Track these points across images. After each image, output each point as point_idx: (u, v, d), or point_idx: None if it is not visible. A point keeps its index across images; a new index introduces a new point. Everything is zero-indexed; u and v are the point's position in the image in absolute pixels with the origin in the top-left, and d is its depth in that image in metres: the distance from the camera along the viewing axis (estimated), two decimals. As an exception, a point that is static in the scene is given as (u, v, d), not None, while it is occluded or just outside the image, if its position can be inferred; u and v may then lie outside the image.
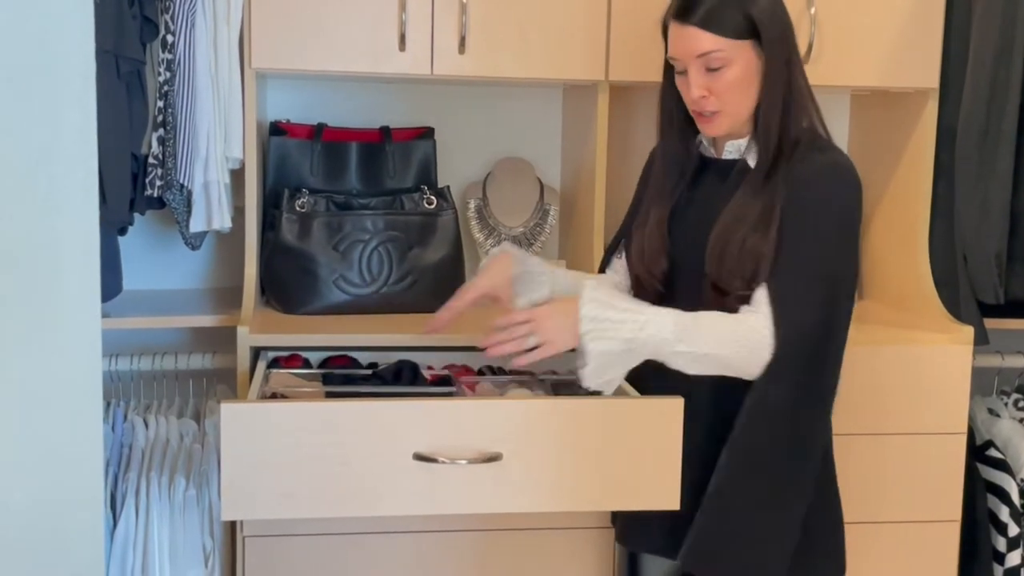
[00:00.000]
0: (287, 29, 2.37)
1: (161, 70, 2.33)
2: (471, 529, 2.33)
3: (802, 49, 2.20)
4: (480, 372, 2.25)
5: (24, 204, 1.45)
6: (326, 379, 2.14)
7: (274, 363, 2.22)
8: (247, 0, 2.35)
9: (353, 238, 2.47)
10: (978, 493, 2.60)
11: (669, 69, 1.96)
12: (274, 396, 1.98)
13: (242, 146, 2.39)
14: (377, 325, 2.35)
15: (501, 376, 2.19)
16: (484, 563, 2.34)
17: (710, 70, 1.85)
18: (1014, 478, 2.59)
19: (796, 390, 1.83)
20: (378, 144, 2.66)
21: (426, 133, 2.71)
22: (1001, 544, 2.59)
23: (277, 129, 2.63)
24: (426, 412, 1.79)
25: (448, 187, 2.60)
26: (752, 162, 1.91)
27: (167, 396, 2.55)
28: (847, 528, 2.02)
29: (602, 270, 2.19)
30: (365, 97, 2.77)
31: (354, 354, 2.28)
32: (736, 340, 1.80)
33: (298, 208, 2.46)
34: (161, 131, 2.34)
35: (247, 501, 1.77)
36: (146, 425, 2.41)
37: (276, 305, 2.49)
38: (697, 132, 1.97)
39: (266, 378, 2.09)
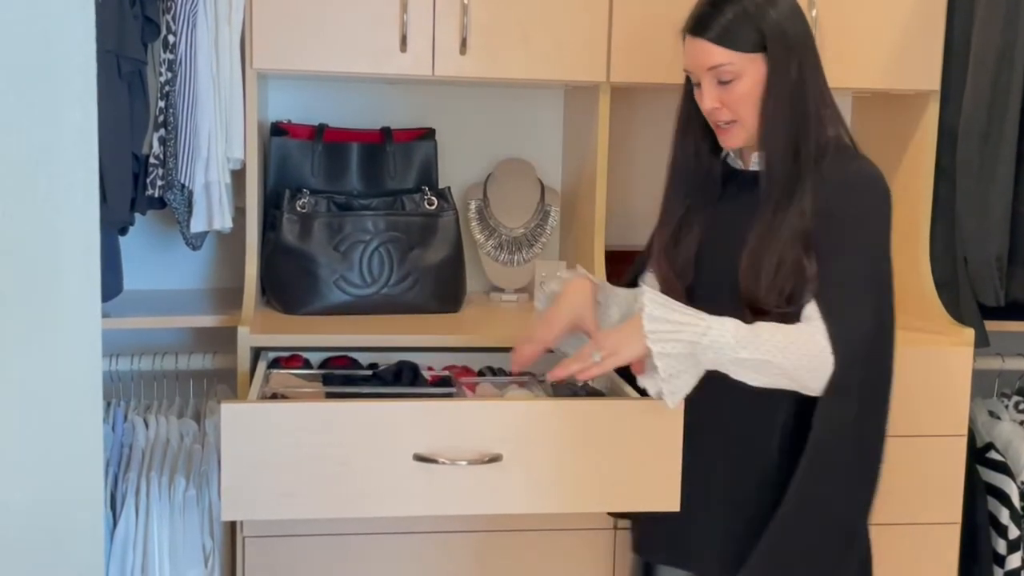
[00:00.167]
0: (288, 29, 2.37)
1: (162, 70, 2.33)
2: (471, 530, 2.32)
3: (804, 51, 2.20)
4: (480, 373, 2.25)
5: (24, 204, 1.45)
6: (326, 379, 2.14)
7: (274, 363, 2.22)
8: (248, 0, 2.35)
9: (354, 239, 2.46)
10: (978, 495, 2.60)
11: (689, 80, 1.95)
12: (274, 396, 1.98)
13: (243, 146, 2.40)
14: (377, 326, 2.36)
15: (501, 377, 2.19)
16: (484, 564, 2.34)
17: (722, 82, 1.85)
18: (1014, 480, 2.59)
19: (860, 404, 1.82)
20: (379, 145, 2.66)
21: (427, 134, 2.71)
22: (1001, 547, 2.59)
23: (278, 129, 2.63)
24: (426, 413, 1.79)
25: (449, 188, 2.60)
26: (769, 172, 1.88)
27: (167, 396, 2.55)
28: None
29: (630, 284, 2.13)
30: (366, 98, 2.77)
31: (354, 355, 2.28)
32: (798, 350, 1.77)
33: (299, 208, 2.46)
34: (162, 131, 2.34)
35: (247, 501, 1.77)
36: (146, 425, 2.41)
37: (277, 305, 2.49)
38: (714, 142, 1.96)
39: (266, 378, 2.09)
